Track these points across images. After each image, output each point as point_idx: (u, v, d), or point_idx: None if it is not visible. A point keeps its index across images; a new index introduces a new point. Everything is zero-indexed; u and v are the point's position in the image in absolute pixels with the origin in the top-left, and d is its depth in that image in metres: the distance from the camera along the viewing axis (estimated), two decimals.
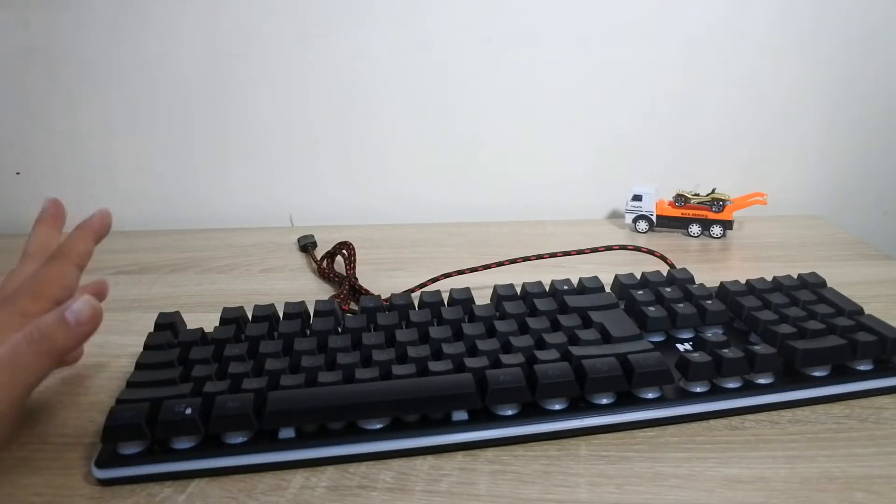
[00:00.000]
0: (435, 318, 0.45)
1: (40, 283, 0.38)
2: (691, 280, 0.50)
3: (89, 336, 0.36)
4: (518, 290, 0.49)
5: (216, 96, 0.76)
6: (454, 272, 0.57)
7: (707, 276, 0.52)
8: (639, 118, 0.77)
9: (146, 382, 0.38)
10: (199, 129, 0.77)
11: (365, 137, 0.77)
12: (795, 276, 0.50)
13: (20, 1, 0.72)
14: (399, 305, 0.47)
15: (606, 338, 0.42)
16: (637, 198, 0.71)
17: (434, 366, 0.38)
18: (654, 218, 0.71)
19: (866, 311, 0.45)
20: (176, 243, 0.72)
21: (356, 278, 0.58)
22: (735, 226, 0.71)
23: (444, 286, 0.54)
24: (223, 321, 0.45)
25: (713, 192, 0.71)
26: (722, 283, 0.50)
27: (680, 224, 0.71)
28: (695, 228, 0.71)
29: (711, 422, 0.39)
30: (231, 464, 0.35)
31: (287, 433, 0.36)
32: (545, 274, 0.53)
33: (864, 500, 0.32)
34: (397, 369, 0.38)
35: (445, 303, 0.48)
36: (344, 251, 0.61)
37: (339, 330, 0.44)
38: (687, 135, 0.77)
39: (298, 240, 0.70)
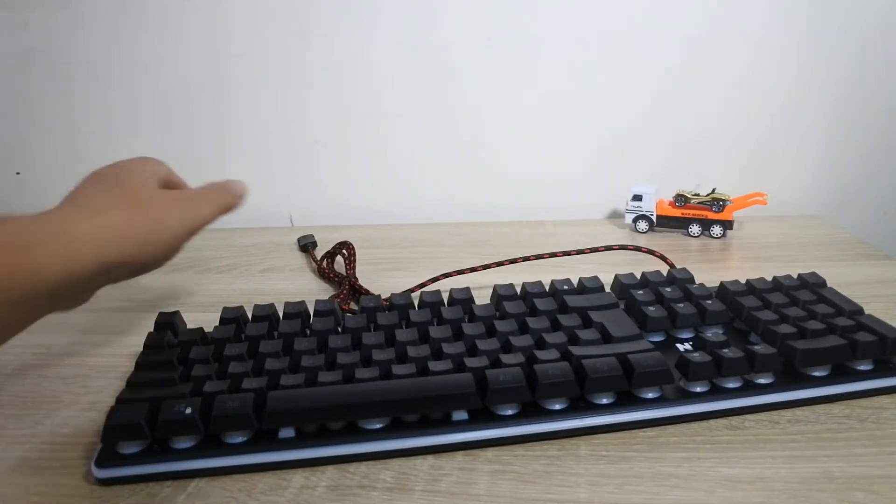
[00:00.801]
0: (435, 317, 0.45)
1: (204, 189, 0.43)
2: (691, 280, 0.50)
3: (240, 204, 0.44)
4: (518, 290, 0.49)
5: (216, 96, 0.76)
6: (454, 272, 0.57)
7: (707, 276, 0.52)
8: (639, 118, 0.77)
9: (146, 382, 0.38)
10: (199, 129, 0.77)
11: (365, 137, 0.77)
12: (795, 276, 0.50)
13: (20, 1, 0.72)
14: (399, 305, 0.47)
15: (606, 338, 0.42)
16: (637, 198, 0.71)
17: (434, 366, 0.38)
18: (654, 218, 0.71)
19: (866, 311, 0.45)
20: None
21: (356, 278, 0.58)
22: (735, 226, 0.71)
23: (444, 286, 0.54)
24: (223, 321, 0.46)
25: (713, 192, 0.71)
26: (722, 283, 0.50)
27: (680, 224, 0.71)
28: (695, 228, 0.71)
29: (711, 422, 0.39)
30: (231, 463, 0.35)
31: (287, 433, 0.36)
32: (545, 274, 0.53)
33: (864, 500, 0.32)
34: (397, 369, 0.38)
35: (445, 303, 0.48)
36: (344, 251, 0.61)
37: (339, 330, 0.44)
38: (687, 135, 0.77)
39: (298, 240, 0.70)
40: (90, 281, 0.34)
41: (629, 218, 0.72)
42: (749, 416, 0.39)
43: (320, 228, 0.73)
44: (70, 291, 0.34)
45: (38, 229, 0.33)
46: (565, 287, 0.49)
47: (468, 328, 0.43)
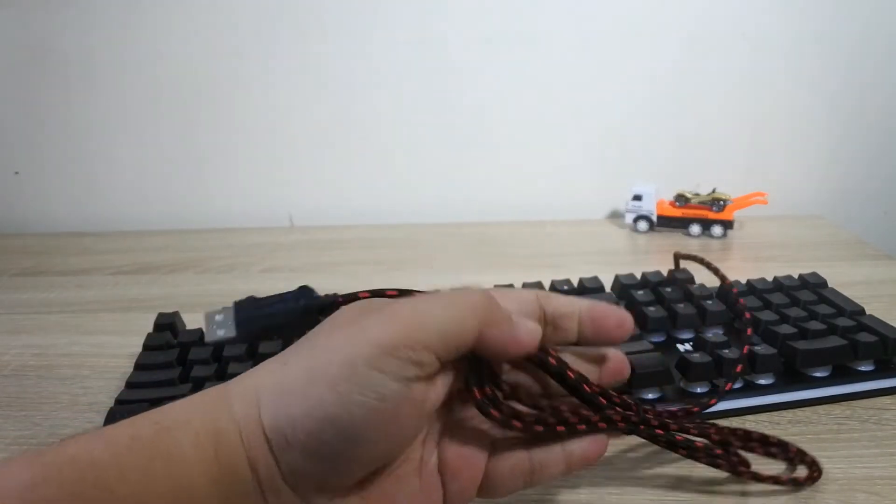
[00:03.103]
0: None
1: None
2: (691, 280, 0.50)
3: (507, 356, 0.28)
4: None
5: (216, 96, 0.76)
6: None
7: (707, 276, 0.52)
8: (639, 118, 0.77)
9: (145, 383, 0.38)
10: (199, 129, 0.77)
11: (365, 137, 0.77)
12: (796, 277, 0.50)
13: (20, 1, 0.72)
14: None
15: None
16: (637, 198, 0.71)
17: None
18: (654, 218, 0.71)
19: (867, 312, 0.45)
20: (176, 243, 0.72)
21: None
22: (735, 226, 0.71)
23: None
24: None
25: (713, 191, 0.70)
26: (722, 283, 0.49)
27: (680, 224, 0.71)
28: (695, 228, 0.70)
29: None
30: None
31: None
32: (545, 274, 0.53)
33: (865, 501, 0.32)
34: None
35: None
36: None
37: None
38: (687, 135, 0.77)
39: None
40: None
41: (629, 218, 0.72)
42: (749, 417, 0.39)
43: (320, 228, 0.73)
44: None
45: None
46: (565, 287, 0.49)
47: None
